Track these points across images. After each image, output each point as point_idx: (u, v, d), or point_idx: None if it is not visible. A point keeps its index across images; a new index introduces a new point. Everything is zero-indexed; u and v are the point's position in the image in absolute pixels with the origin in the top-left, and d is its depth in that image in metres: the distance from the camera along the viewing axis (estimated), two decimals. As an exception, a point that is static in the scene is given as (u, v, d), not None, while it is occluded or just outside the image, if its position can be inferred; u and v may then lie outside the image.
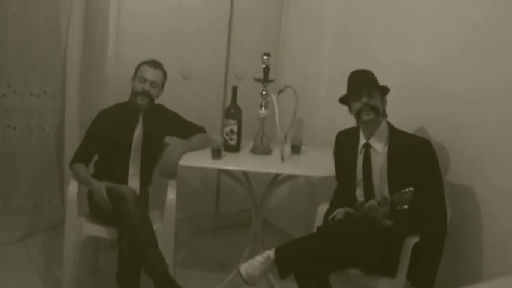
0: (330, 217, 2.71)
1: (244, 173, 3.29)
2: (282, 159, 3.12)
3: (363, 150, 2.73)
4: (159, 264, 2.74)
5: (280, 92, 3.23)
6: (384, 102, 2.71)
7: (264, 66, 3.23)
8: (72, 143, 3.55)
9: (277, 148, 3.22)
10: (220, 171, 3.79)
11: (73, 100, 3.67)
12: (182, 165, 3.01)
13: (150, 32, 3.62)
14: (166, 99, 3.26)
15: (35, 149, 3.77)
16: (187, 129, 3.28)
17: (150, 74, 3.11)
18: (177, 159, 3.04)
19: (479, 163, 2.74)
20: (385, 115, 2.72)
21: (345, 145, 2.85)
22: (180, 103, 3.46)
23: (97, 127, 3.15)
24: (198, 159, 3.08)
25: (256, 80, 3.25)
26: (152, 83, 3.11)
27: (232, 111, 3.25)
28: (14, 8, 3.51)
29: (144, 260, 2.75)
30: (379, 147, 2.68)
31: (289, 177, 3.30)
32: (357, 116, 2.67)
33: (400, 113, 3.01)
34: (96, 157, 3.20)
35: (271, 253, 2.52)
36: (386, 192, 2.63)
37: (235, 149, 3.27)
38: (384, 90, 2.69)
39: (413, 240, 2.52)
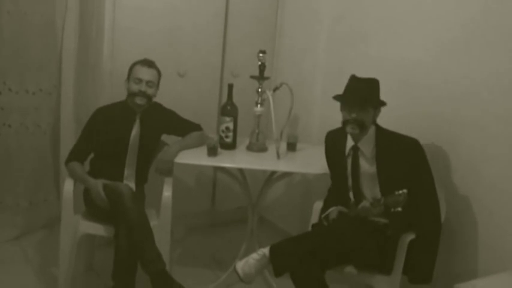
0: (323, 216, 2.72)
1: (240, 170, 3.29)
2: (278, 156, 3.13)
3: (351, 153, 2.71)
4: (157, 261, 2.75)
5: (275, 89, 3.23)
6: (377, 113, 2.66)
7: (259, 63, 3.23)
8: (68, 140, 3.55)
9: (272, 145, 3.23)
10: (216, 169, 3.78)
11: (69, 97, 3.67)
12: (178, 162, 3.01)
13: (145, 29, 3.61)
14: (162, 97, 3.26)
15: (31, 147, 3.77)
16: (183, 127, 3.28)
17: (145, 74, 3.09)
18: (173, 156, 3.04)
19: (474, 161, 2.74)
20: (374, 121, 2.67)
21: (333, 146, 2.83)
22: (176, 101, 3.46)
23: (93, 126, 3.14)
24: (194, 157, 3.08)
25: (252, 77, 3.25)
26: (148, 83, 3.10)
27: (228, 109, 3.26)
28: (9, 6, 3.50)
29: (141, 256, 2.75)
30: (368, 150, 2.66)
31: (285, 174, 3.31)
32: (343, 124, 2.64)
33: (394, 110, 3.01)
34: (91, 155, 3.19)
35: (266, 251, 2.53)
36: (378, 193, 2.62)
37: (231, 146, 3.27)
38: (380, 104, 2.65)
39: (409, 237, 2.53)
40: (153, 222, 2.92)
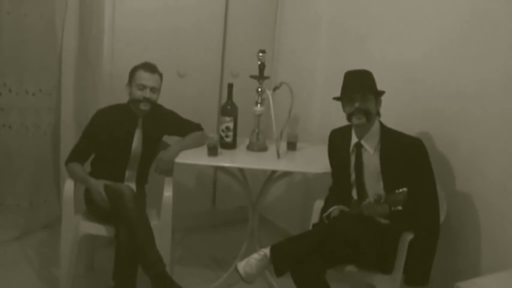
0: (324, 214, 2.72)
1: (241, 170, 3.29)
2: (278, 156, 3.13)
3: (354, 150, 2.72)
4: (157, 262, 2.74)
5: (275, 88, 3.23)
6: (379, 104, 2.68)
7: (259, 63, 3.23)
8: (68, 141, 3.56)
9: (273, 145, 3.23)
10: (217, 168, 3.79)
11: (69, 98, 3.68)
12: (178, 162, 3.01)
13: (145, 29, 3.61)
14: (163, 97, 3.26)
15: (31, 147, 3.77)
16: (184, 128, 3.28)
17: (149, 80, 3.06)
18: (174, 156, 3.04)
19: (475, 159, 2.74)
20: (378, 115, 2.69)
21: (337, 144, 2.84)
22: (176, 101, 3.46)
23: (95, 128, 3.13)
24: (194, 157, 3.08)
25: (252, 77, 3.25)
26: (152, 89, 3.08)
27: (228, 109, 3.26)
28: (9, 7, 3.50)
29: (142, 258, 2.75)
30: (371, 148, 2.66)
31: (285, 173, 3.31)
32: (348, 118, 2.65)
33: (394, 109, 3.02)
34: (92, 156, 3.19)
35: (267, 251, 2.53)
36: (380, 190, 2.61)
37: (231, 146, 3.27)
38: (379, 93, 2.68)
39: (409, 236, 2.52)
40: (154, 222, 2.92)
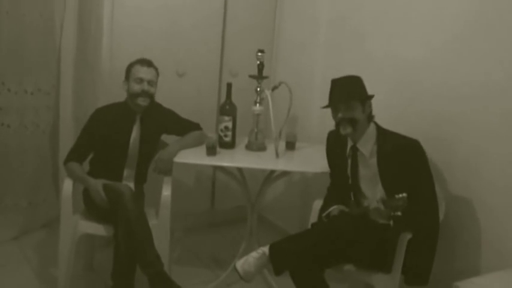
0: (324, 214, 2.72)
1: (239, 169, 3.30)
2: (277, 155, 3.13)
3: (350, 154, 2.70)
4: (155, 262, 2.74)
5: (274, 88, 3.23)
6: (368, 108, 2.63)
7: (258, 62, 3.23)
8: (67, 140, 3.55)
9: (271, 144, 3.23)
10: (216, 168, 3.79)
11: (68, 97, 3.67)
12: (177, 162, 3.01)
13: (144, 28, 3.61)
14: (161, 97, 3.26)
15: (30, 146, 3.76)
16: (183, 127, 3.29)
17: (146, 73, 3.09)
18: (173, 156, 3.04)
19: (473, 158, 2.74)
20: (371, 117, 2.66)
21: (334, 146, 2.82)
22: (175, 100, 3.46)
23: (93, 126, 3.13)
24: (193, 156, 3.09)
25: (251, 76, 3.25)
26: (149, 82, 3.09)
27: (227, 108, 3.26)
28: (8, 7, 3.50)
29: (140, 257, 2.75)
30: (367, 151, 2.64)
31: (284, 173, 3.31)
32: (336, 127, 2.63)
33: (393, 108, 3.02)
34: (91, 155, 3.19)
35: (266, 249, 2.53)
36: (378, 194, 2.60)
37: (230, 145, 3.27)
38: (367, 97, 2.63)
39: (408, 235, 2.52)
40: (153, 222, 2.92)
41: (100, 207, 2.93)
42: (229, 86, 3.30)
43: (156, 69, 3.15)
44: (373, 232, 2.54)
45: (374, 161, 2.63)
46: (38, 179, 3.86)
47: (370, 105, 2.65)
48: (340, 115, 2.58)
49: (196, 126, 3.32)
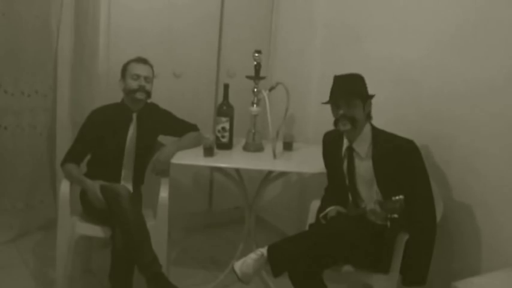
0: (321, 215, 2.71)
1: (237, 170, 3.30)
2: (274, 156, 3.13)
3: (346, 154, 2.69)
4: (153, 263, 2.74)
5: (271, 89, 3.23)
6: (368, 107, 2.63)
7: (255, 63, 3.24)
8: (64, 142, 3.54)
9: (269, 145, 3.23)
10: (213, 169, 3.78)
11: (64, 99, 3.66)
12: (175, 163, 3.01)
13: (141, 30, 3.61)
14: (158, 98, 3.26)
15: (27, 148, 3.76)
16: (180, 128, 3.28)
17: (142, 69, 3.10)
18: (170, 157, 3.04)
19: (470, 158, 2.74)
20: (369, 118, 2.65)
21: (330, 147, 2.81)
22: (172, 101, 3.46)
23: (90, 127, 3.12)
24: (190, 157, 3.08)
25: (248, 77, 3.25)
26: (146, 78, 3.11)
27: (224, 109, 3.26)
28: (4, 8, 3.49)
29: (138, 259, 2.74)
30: (363, 151, 2.63)
31: (282, 174, 3.31)
32: (335, 124, 2.62)
33: (390, 109, 3.02)
34: (88, 157, 3.18)
35: (264, 251, 2.52)
36: (374, 194, 2.60)
37: (228, 146, 3.27)
38: (368, 97, 2.64)
39: (406, 236, 2.52)
40: (150, 223, 2.92)
41: (97, 209, 2.93)
42: (226, 86, 3.30)
43: (151, 66, 3.16)
44: (371, 233, 2.54)
45: (369, 162, 2.62)
46: (35, 181, 3.85)
47: (370, 105, 2.65)
48: (341, 112, 2.57)
49: (193, 127, 3.32)
